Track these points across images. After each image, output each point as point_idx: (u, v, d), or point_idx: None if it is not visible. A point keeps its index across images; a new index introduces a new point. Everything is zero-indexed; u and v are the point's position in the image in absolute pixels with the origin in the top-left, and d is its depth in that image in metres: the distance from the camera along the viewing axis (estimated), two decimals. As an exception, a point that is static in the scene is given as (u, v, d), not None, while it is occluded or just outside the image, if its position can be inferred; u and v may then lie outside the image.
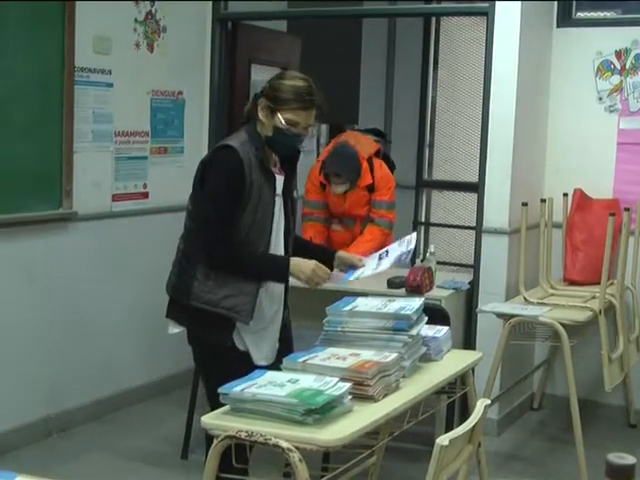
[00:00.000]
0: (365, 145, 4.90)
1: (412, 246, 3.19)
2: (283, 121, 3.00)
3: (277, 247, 3.12)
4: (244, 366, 2.80)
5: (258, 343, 3.10)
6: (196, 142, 5.41)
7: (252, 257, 3.04)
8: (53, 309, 4.54)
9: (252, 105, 3.09)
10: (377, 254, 3.24)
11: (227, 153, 2.99)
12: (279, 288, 3.18)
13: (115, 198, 4.88)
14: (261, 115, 3.04)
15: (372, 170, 4.86)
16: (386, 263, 3.17)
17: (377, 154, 4.95)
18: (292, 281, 3.12)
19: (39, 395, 4.52)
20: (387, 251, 3.23)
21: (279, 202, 3.11)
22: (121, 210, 4.91)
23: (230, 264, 3.01)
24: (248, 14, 5.62)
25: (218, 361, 3.04)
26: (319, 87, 3.07)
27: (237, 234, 2.98)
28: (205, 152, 5.43)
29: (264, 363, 3.06)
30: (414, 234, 3.29)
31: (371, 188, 4.86)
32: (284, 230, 3.15)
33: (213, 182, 3.00)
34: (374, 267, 3.19)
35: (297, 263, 3.03)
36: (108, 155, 4.82)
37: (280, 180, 3.11)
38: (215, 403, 2.49)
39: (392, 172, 4.99)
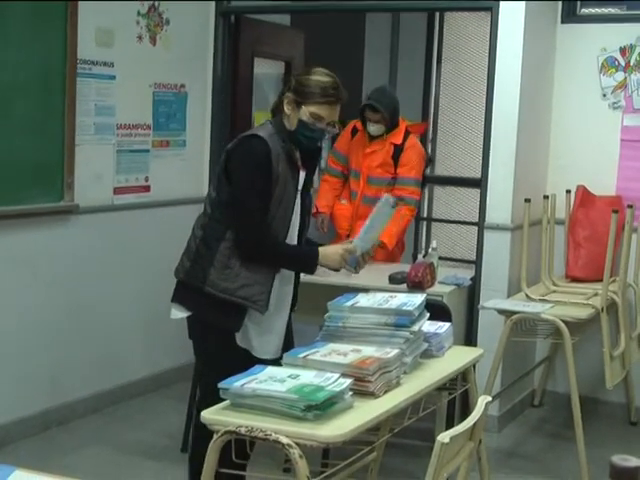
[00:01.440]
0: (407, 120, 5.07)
1: (391, 201, 3.29)
2: (308, 114, 3.05)
3: (291, 243, 3.17)
4: (244, 362, 2.81)
5: (264, 336, 3.13)
6: (198, 135, 5.40)
7: (284, 246, 3.11)
8: (54, 302, 4.54)
9: (278, 100, 3.15)
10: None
11: (257, 142, 3.02)
12: (290, 282, 3.21)
13: (117, 191, 4.87)
14: (287, 109, 3.09)
15: (405, 140, 4.94)
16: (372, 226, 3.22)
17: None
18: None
19: (39, 388, 4.51)
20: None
21: (299, 197, 3.16)
22: (123, 203, 4.90)
23: (264, 251, 3.06)
24: (251, 8, 5.61)
25: (221, 353, 3.06)
26: (344, 85, 3.13)
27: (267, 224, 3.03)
28: (208, 146, 5.44)
29: (267, 357, 3.06)
30: (386, 195, 3.40)
31: (398, 151, 4.91)
32: (299, 227, 3.19)
33: (244, 170, 3.02)
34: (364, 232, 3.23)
35: (325, 253, 3.10)
36: (110, 148, 4.81)
37: (302, 175, 3.17)
38: (212, 398, 2.49)
39: (427, 166, 5.22)
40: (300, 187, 3.16)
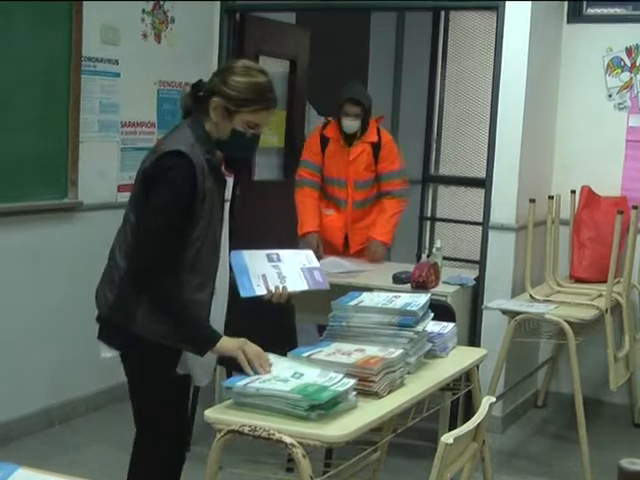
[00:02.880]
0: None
1: (315, 264, 2.99)
2: (245, 123, 2.66)
3: (224, 261, 2.81)
4: (182, 389, 2.74)
5: (201, 363, 2.78)
6: (203, 134, 5.39)
7: (185, 311, 2.62)
8: (57, 299, 4.54)
9: (193, 99, 2.73)
10: (264, 252, 2.97)
11: (178, 162, 2.56)
12: (220, 317, 2.87)
13: (121, 188, 4.87)
14: (214, 115, 2.65)
15: (379, 136, 4.92)
16: (287, 272, 2.92)
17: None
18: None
19: (41, 385, 4.51)
20: (278, 254, 2.98)
21: (226, 208, 2.78)
22: (126, 200, 4.86)
23: (161, 298, 2.60)
24: (256, 6, 5.61)
25: (158, 386, 2.74)
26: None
27: (183, 264, 2.62)
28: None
29: (205, 382, 2.87)
30: (309, 252, 3.08)
31: (376, 149, 4.89)
32: (228, 236, 2.83)
33: (161, 194, 2.58)
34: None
35: (223, 344, 2.62)
36: (114, 145, 4.80)
37: (230, 183, 2.79)
38: (144, 426, 2.41)
39: None
40: (229, 195, 2.78)
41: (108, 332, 2.75)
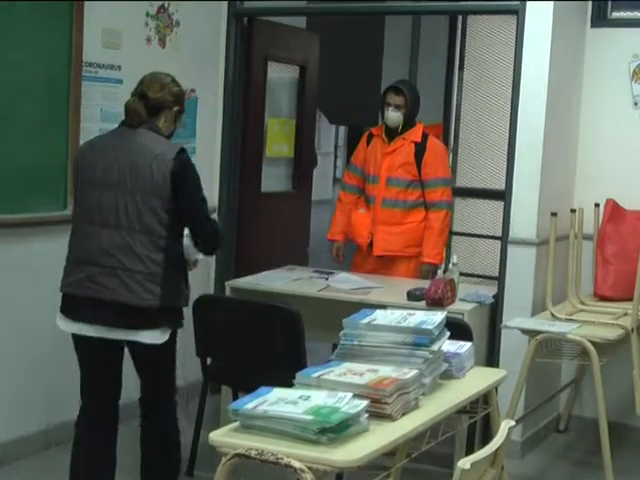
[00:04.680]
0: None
1: None
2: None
3: None
4: None
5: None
6: (209, 143, 5.42)
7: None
8: (54, 315, 4.54)
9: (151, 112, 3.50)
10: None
11: (188, 156, 3.45)
12: None
13: (122, 200, 4.88)
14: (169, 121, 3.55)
15: (425, 140, 5.01)
16: None
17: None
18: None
19: (38, 405, 4.52)
20: None
21: None
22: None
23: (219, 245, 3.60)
24: (265, 9, 5.63)
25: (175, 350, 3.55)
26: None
27: None
28: (218, 154, 5.45)
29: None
30: None
31: (420, 151, 4.95)
32: None
33: (197, 184, 3.43)
34: None
35: None
36: (116, 155, 4.82)
37: None
38: (171, 393, 3.51)
39: None
40: None
41: (164, 317, 3.35)
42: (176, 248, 3.38)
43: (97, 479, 3.57)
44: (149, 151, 3.33)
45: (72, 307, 3.46)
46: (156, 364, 3.55)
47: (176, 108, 3.52)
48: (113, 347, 3.46)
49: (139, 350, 3.46)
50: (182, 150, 3.37)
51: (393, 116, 4.96)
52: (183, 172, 3.34)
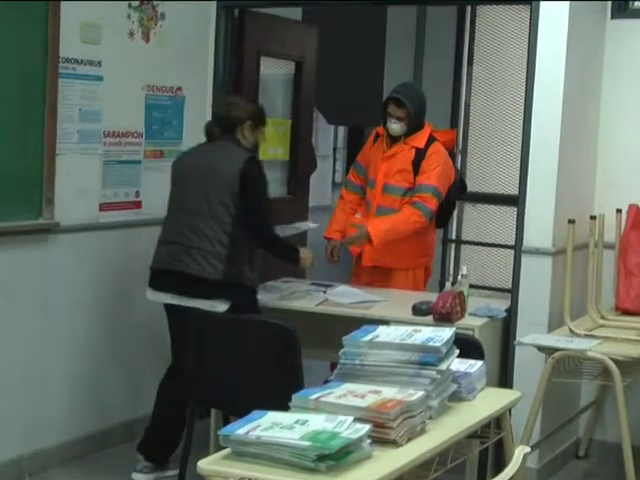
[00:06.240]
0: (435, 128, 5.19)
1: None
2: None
3: None
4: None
5: None
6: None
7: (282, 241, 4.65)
8: (30, 332, 4.54)
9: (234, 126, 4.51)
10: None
11: (260, 164, 4.47)
12: None
13: (103, 207, 4.88)
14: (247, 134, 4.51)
15: (429, 145, 5.00)
16: None
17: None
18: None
19: (12, 432, 4.50)
20: None
21: None
22: (109, 221, 4.92)
23: (276, 240, 4.56)
24: (257, 1, 5.63)
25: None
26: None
27: None
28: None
29: None
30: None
31: (419, 157, 4.95)
32: None
33: (262, 190, 4.42)
34: None
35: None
36: (96, 158, 4.83)
37: None
38: None
39: (462, 192, 5.37)
40: None
41: (225, 291, 4.28)
42: (242, 235, 4.31)
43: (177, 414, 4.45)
44: (225, 156, 4.38)
45: (156, 280, 4.43)
46: None
47: (249, 122, 4.47)
48: (185, 313, 4.19)
49: None
50: (252, 157, 4.40)
51: (395, 127, 4.98)
52: (250, 175, 4.33)
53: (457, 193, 5.26)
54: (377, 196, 5.07)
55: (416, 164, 4.98)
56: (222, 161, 4.40)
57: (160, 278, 4.43)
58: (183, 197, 4.46)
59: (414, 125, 4.99)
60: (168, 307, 4.43)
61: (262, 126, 4.59)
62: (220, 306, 4.26)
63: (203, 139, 5.45)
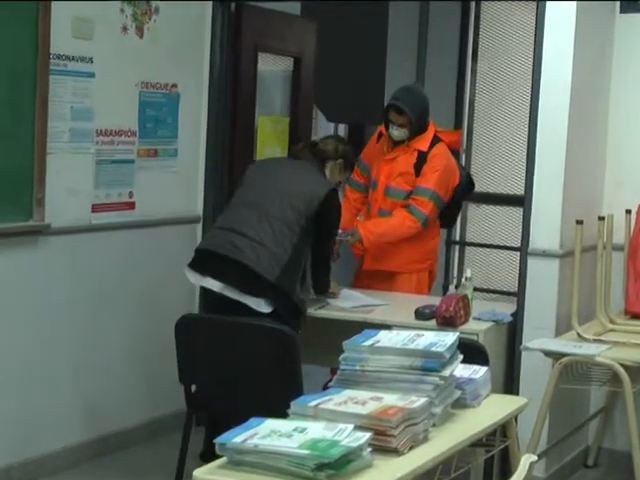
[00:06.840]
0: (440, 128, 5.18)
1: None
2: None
3: None
4: None
5: None
6: (192, 143, 5.42)
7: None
8: (19, 338, 4.53)
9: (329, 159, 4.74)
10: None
11: (339, 198, 4.65)
12: None
13: (95, 208, 4.88)
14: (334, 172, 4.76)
15: (432, 147, 5.00)
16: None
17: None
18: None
19: (2, 439, 4.50)
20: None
21: None
22: (102, 223, 4.91)
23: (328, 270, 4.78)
24: (255, -6, 5.64)
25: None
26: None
27: None
28: (203, 156, 5.46)
29: None
30: None
31: (421, 160, 4.96)
32: None
33: (337, 222, 4.62)
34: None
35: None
36: (88, 158, 4.82)
37: None
38: None
39: (469, 191, 5.33)
40: None
41: (273, 293, 4.27)
42: (304, 251, 4.43)
43: None
44: (312, 178, 4.55)
45: (205, 263, 4.39)
46: None
47: (339, 161, 4.71)
48: (229, 305, 4.25)
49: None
50: (335, 190, 4.56)
51: (397, 134, 5.00)
52: (332, 203, 4.49)
53: (464, 192, 5.26)
54: (379, 199, 5.09)
55: (418, 167, 4.98)
56: (309, 180, 4.54)
57: (212, 264, 4.37)
58: (259, 198, 4.48)
59: (417, 129, 4.99)
60: (210, 293, 4.39)
61: (350, 170, 4.87)
62: (266, 307, 4.26)
63: (198, 138, 5.49)
